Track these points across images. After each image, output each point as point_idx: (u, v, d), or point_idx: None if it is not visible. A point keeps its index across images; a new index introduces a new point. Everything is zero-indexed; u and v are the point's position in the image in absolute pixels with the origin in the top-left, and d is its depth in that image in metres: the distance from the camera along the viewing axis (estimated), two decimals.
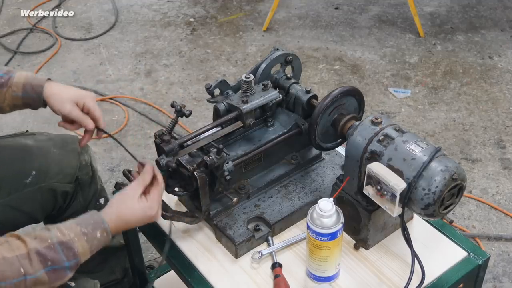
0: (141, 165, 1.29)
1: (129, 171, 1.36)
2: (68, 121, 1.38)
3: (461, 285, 1.38)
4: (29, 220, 1.50)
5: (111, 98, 2.95)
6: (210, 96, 1.46)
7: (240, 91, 1.42)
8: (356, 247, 1.36)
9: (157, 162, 1.33)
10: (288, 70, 1.53)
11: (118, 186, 1.37)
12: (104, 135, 1.41)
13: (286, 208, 1.41)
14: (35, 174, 1.45)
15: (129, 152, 1.39)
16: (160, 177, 1.27)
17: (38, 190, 1.46)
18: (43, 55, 3.31)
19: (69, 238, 1.13)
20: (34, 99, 1.36)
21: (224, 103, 1.42)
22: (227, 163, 1.33)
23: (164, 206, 1.34)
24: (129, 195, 1.22)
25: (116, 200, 1.23)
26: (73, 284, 1.18)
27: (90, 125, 1.36)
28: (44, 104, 1.38)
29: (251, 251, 1.36)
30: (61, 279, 1.13)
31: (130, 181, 1.34)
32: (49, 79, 1.39)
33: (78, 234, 1.14)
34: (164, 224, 1.40)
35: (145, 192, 1.25)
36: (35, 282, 1.10)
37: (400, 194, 1.17)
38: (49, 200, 1.49)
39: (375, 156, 1.23)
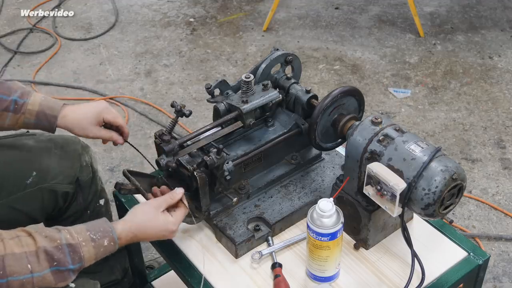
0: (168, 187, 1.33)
1: (129, 171, 1.37)
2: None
3: (461, 285, 1.38)
4: (29, 221, 1.50)
5: (111, 98, 2.94)
6: (210, 96, 1.46)
7: (240, 91, 1.42)
8: (356, 247, 1.36)
9: (157, 162, 1.33)
10: (288, 70, 1.53)
11: (118, 186, 1.37)
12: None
13: (286, 208, 1.41)
14: (36, 174, 1.45)
15: (149, 163, 1.43)
16: (186, 204, 1.30)
17: (38, 190, 1.46)
18: (43, 55, 3.31)
19: (77, 242, 1.14)
20: (45, 127, 1.41)
21: (224, 103, 1.42)
22: (227, 163, 1.33)
23: None
24: (154, 206, 1.25)
25: (141, 210, 1.25)
26: (73, 285, 1.19)
27: (120, 139, 1.46)
28: (55, 129, 1.42)
29: (251, 251, 1.36)
30: (64, 281, 1.14)
31: (130, 181, 1.35)
32: (64, 104, 1.42)
33: (86, 239, 1.15)
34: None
35: (168, 210, 1.27)
36: (42, 280, 1.11)
37: (400, 194, 1.17)
38: (49, 200, 1.49)
39: (375, 156, 1.23)
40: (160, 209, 1.25)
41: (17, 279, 1.08)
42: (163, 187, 1.32)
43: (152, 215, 1.24)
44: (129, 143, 1.50)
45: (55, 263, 1.11)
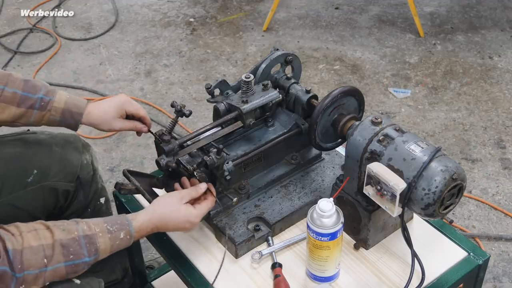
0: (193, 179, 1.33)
1: (129, 171, 1.37)
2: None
3: (461, 285, 1.38)
4: (30, 219, 1.48)
5: None
6: (210, 96, 1.46)
7: (240, 91, 1.42)
8: (356, 247, 1.36)
9: (157, 162, 1.33)
10: (288, 70, 1.53)
11: (118, 187, 1.37)
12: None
13: (286, 208, 1.41)
14: (37, 173, 1.45)
15: (183, 164, 1.37)
16: (213, 198, 1.31)
17: (39, 189, 1.46)
18: (43, 55, 3.31)
19: (94, 232, 1.15)
20: (70, 125, 1.42)
21: (224, 103, 1.42)
22: (227, 163, 1.33)
23: None
24: (178, 198, 1.26)
25: (163, 201, 1.26)
26: (78, 281, 1.19)
27: (144, 128, 1.47)
28: (78, 127, 1.44)
29: (251, 251, 1.36)
30: (76, 273, 1.16)
31: (130, 181, 1.35)
32: (88, 101, 1.43)
33: (103, 230, 1.17)
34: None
35: (192, 203, 1.29)
36: (52, 274, 1.11)
37: (400, 194, 1.17)
38: (50, 199, 1.49)
39: (375, 156, 1.23)
40: (183, 201, 1.26)
41: (33, 273, 1.09)
42: (193, 180, 1.32)
43: (175, 207, 1.25)
44: (151, 132, 1.48)
45: (71, 256, 1.12)
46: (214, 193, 1.31)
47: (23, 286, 1.08)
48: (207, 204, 1.30)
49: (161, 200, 1.27)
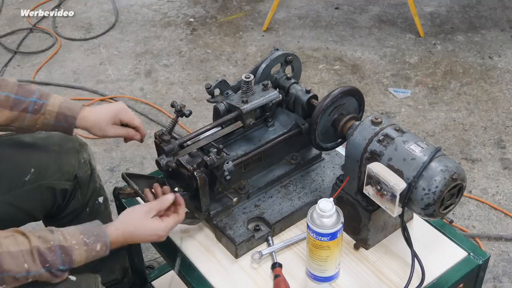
0: (159, 185, 1.33)
1: (128, 174, 1.36)
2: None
3: (461, 285, 1.38)
4: (28, 218, 1.50)
5: (111, 98, 2.95)
6: (210, 96, 1.46)
7: (240, 91, 1.42)
8: (356, 247, 1.36)
9: (157, 162, 1.33)
10: (288, 70, 1.53)
11: (117, 192, 1.37)
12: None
13: (286, 208, 1.41)
14: (34, 171, 1.45)
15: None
16: (183, 211, 1.30)
17: (37, 187, 1.46)
18: (43, 55, 3.31)
19: (70, 244, 1.15)
20: (65, 128, 1.40)
21: (224, 103, 1.42)
22: (227, 163, 1.33)
23: None
24: (144, 212, 1.25)
25: (131, 216, 1.25)
26: (74, 278, 1.20)
27: (137, 135, 1.47)
28: (73, 131, 1.43)
29: (251, 251, 1.36)
30: (59, 278, 1.16)
31: (129, 184, 1.35)
32: (83, 105, 1.42)
33: (79, 242, 1.17)
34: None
35: (161, 215, 1.28)
36: (39, 277, 1.13)
37: (400, 194, 1.17)
38: (48, 198, 1.49)
39: (375, 156, 1.23)
40: (149, 215, 1.25)
41: (12, 274, 1.10)
42: (165, 188, 1.32)
43: (141, 221, 1.24)
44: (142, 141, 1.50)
45: (48, 265, 1.13)
46: (183, 205, 1.30)
47: (4, 286, 1.10)
48: (174, 218, 1.28)
49: (128, 215, 1.26)
